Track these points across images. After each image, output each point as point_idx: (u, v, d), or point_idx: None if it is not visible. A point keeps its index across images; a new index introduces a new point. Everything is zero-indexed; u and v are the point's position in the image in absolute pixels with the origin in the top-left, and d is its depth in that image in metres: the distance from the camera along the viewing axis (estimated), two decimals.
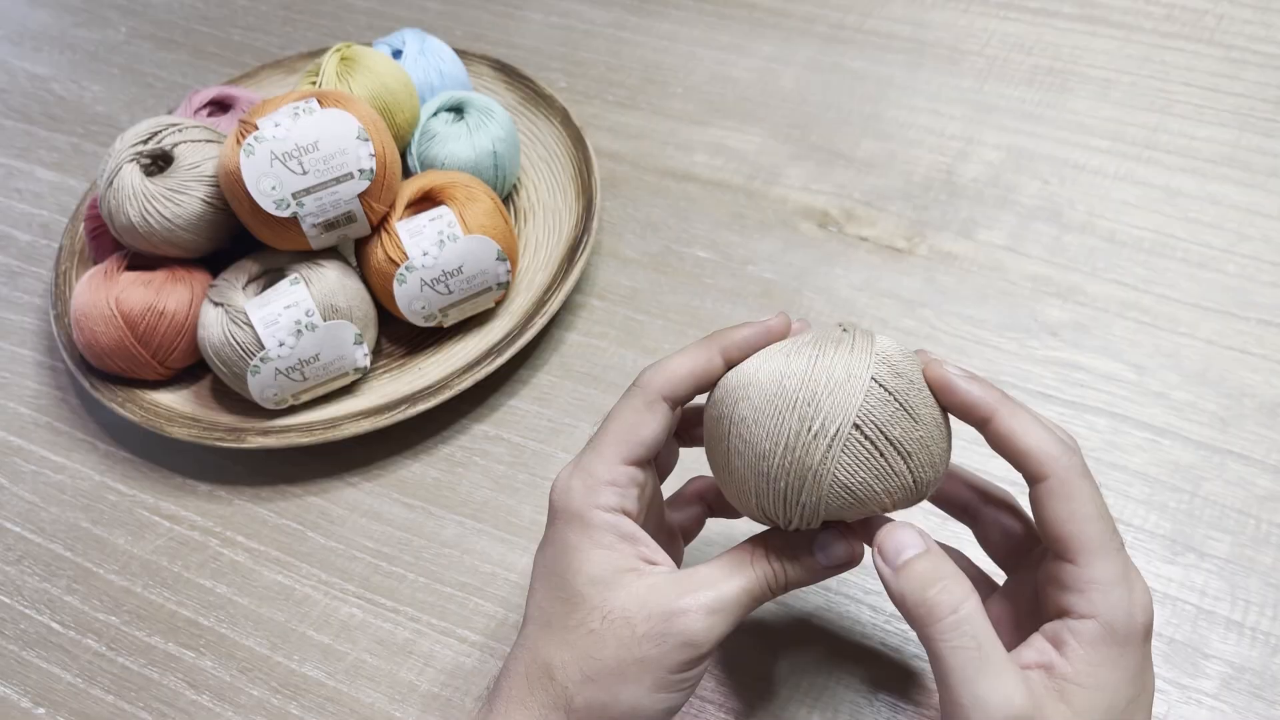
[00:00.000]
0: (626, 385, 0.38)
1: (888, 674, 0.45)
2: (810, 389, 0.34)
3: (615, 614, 0.34)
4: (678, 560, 0.43)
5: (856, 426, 0.33)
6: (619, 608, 0.34)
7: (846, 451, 0.33)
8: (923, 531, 0.34)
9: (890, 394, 0.34)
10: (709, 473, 0.41)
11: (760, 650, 0.47)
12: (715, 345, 0.37)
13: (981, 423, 0.35)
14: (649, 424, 0.36)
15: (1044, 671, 0.33)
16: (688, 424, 0.41)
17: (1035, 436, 0.34)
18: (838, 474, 0.34)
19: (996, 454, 0.35)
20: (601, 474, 0.36)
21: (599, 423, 0.39)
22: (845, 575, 0.48)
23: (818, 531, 0.36)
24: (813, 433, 0.33)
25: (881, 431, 0.34)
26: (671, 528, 0.43)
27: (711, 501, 0.43)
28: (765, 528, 0.37)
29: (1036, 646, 0.33)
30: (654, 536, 0.38)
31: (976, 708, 0.31)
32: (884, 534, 0.34)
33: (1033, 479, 0.34)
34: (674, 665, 0.34)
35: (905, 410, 0.34)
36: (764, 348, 0.36)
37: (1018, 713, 0.31)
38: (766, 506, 0.35)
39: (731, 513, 0.43)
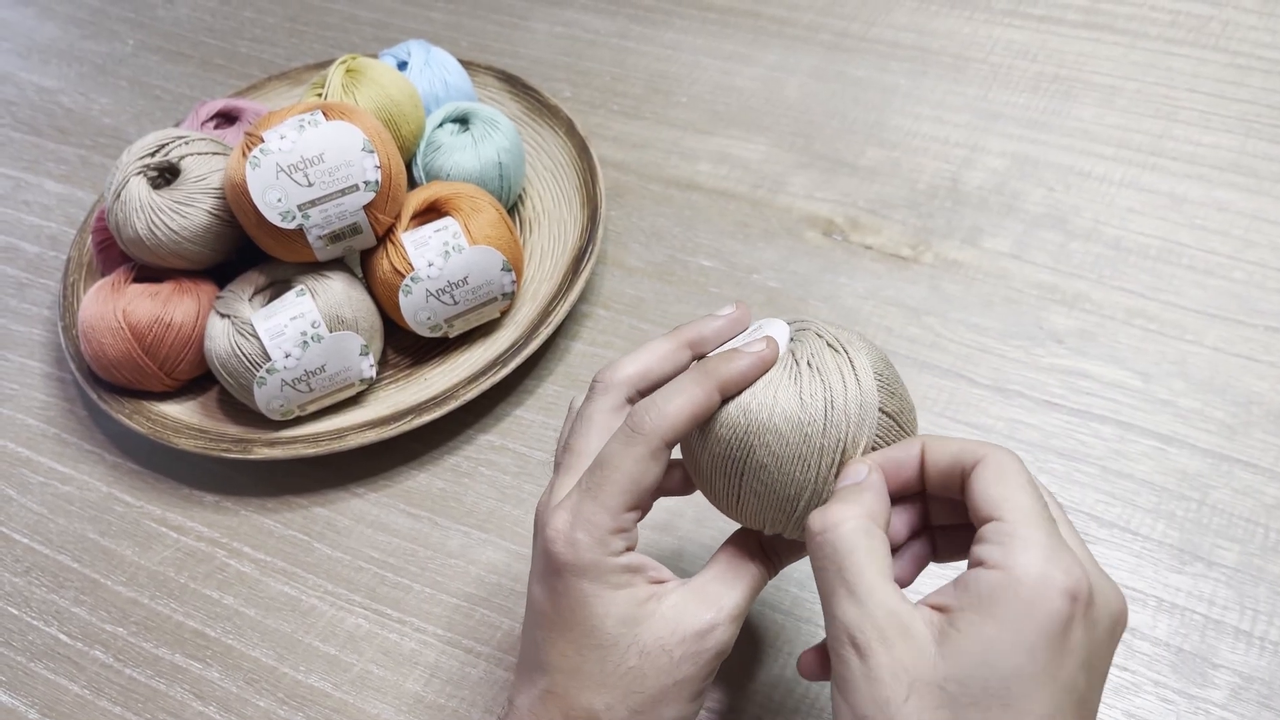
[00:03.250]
0: None
1: None
2: (834, 435, 0.35)
3: (651, 646, 0.35)
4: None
5: (872, 449, 0.35)
6: (653, 639, 0.35)
7: None
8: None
9: (891, 417, 0.36)
10: None
11: (753, 651, 0.46)
12: (712, 382, 0.36)
13: (918, 469, 0.35)
14: (653, 472, 0.36)
15: (937, 611, 0.31)
16: None
17: (960, 441, 0.35)
18: None
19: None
20: (607, 524, 0.35)
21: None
22: None
23: None
24: (837, 475, 0.35)
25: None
26: None
27: (664, 486, 0.42)
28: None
29: (945, 590, 0.32)
30: None
31: (829, 626, 0.32)
32: None
33: (971, 466, 0.34)
34: (708, 674, 0.36)
35: (902, 428, 0.36)
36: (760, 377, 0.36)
37: (854, 636, 0.31)
38: (778, 529, 0.36)
39: (682, 493, 0.42)
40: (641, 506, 0.36)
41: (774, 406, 0.35)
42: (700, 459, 0.37)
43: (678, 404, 0.35)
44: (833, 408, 0.35)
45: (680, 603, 0.36)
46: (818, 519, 0.33)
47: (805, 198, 0.65)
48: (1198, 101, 0.67)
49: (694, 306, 0.60)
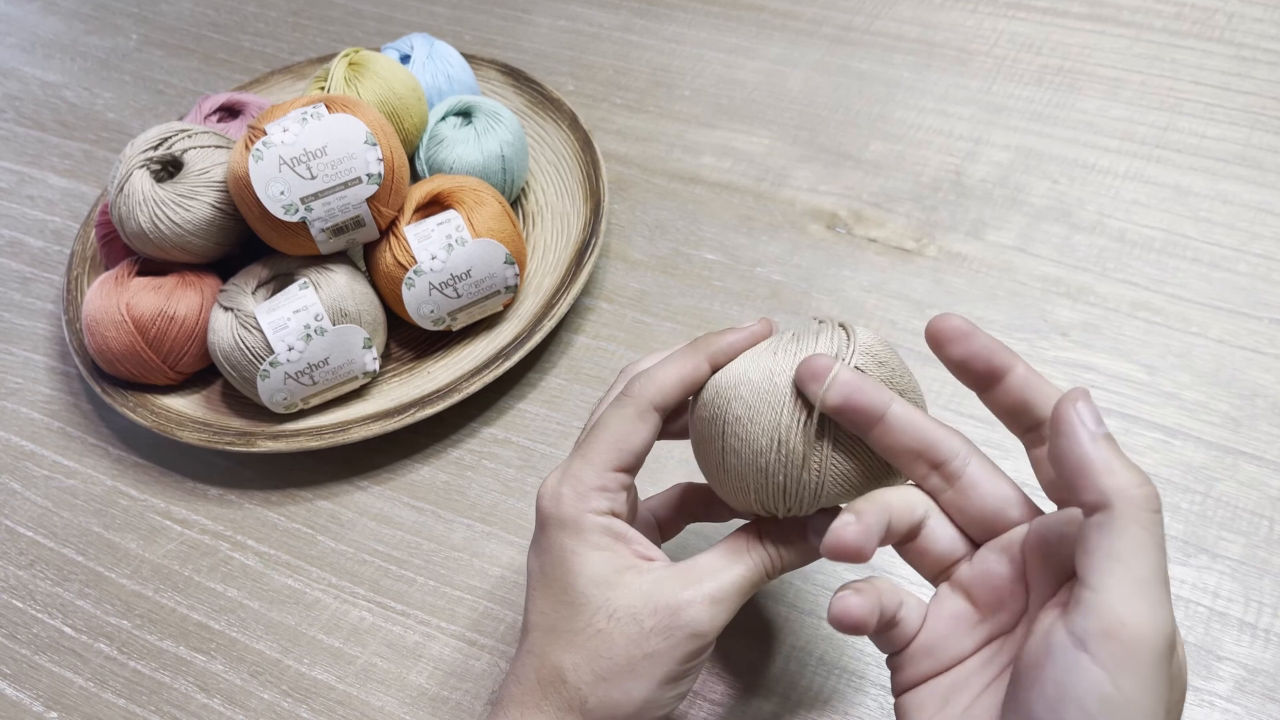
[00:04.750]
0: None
1: (875, 663, 0.45)
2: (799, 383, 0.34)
3: (621, 612, 0.35)
4: None
5: None
6: (624, 606, 0.35)
7: (840, 441, 0.34)
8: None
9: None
10: (689, 477, 0.41)
11: (759, 645, 0.46)
12: (701, 351, 0.37)
13: (1000, 373, 0.33)
14: (640, 433, 0.37)
15: None
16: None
17: (1050, 385, 0.33)
18: (834, 464, 0.35)
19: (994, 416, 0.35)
20: (591, 480, 0.36)
21: (586, 425, 0.40)
22: (846, 570, 0.48)
23: (812, 515, 0.37)
24: (803, 425, 0.34)
25: None
26: (649, 520, 0.43)
27: (693, 510, 0.43)
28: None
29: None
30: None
31: (1143, 619, 0.27)
32: (1081, 401, 0.30)
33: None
34: (682, 656, 0.35)
35: None
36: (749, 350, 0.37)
37: (1171, 634, 0.28)
38: (765, 501, 0.36)
39: (714, 518, 0.43)
40: (627, 468, 0.37)
41: (751, 365, 0.36)
42: (692, 433, 0.38)
43: (667, 370, 0.37)
44: (801, 358, 0.35)
45: (662, 577, 0.35)
46: (1130, 479, 0.29)
47: (809, 191, 0.65)
48: (1203, 94, 0.67)
49: (697, 300, 0.60)
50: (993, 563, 0.34)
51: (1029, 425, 0.34)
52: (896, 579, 0.47)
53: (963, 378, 0.35)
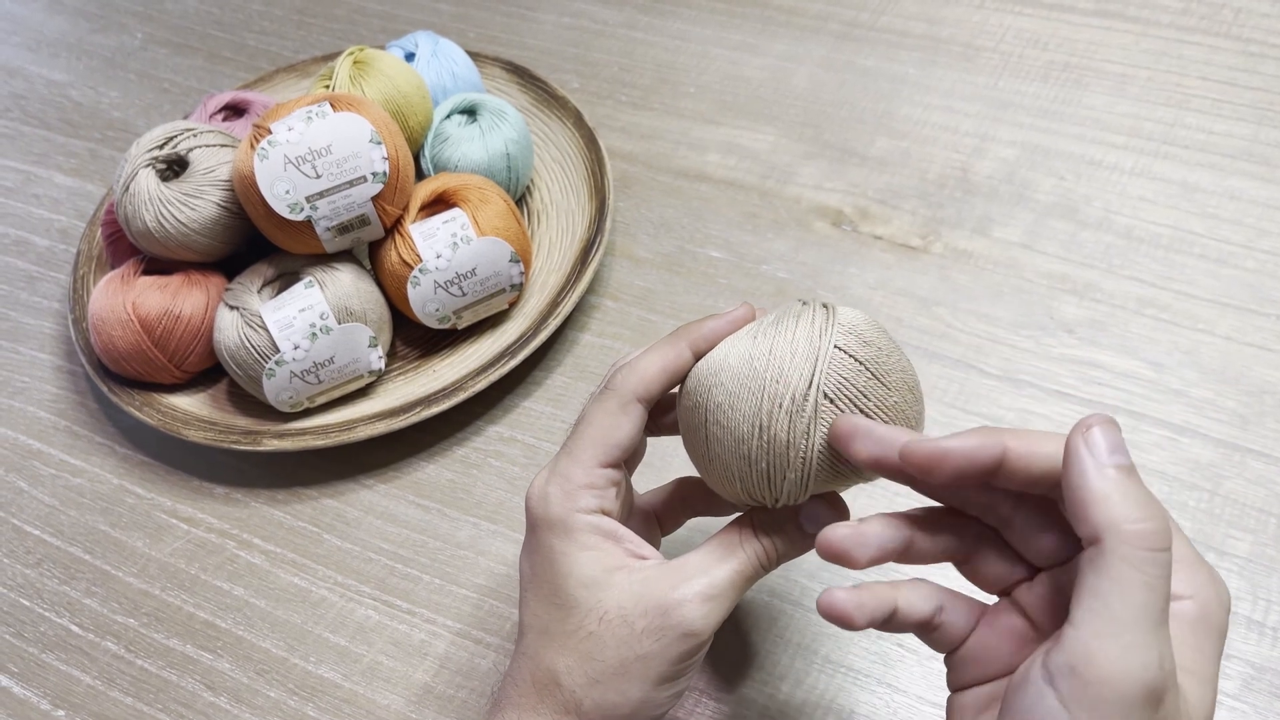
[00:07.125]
0: None
1: (881, 661, 0.45)
2: (778, 366, 0.34)
3: (612, 614, 0.34)
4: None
5: (829, 399, 0.33)
6: (615, 607, 0.34)
7: (823, 424, 0.34)
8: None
9: (860, 363, 0.34)
10: (690, 470, 0.41)
11: (763, 643, 0.46)
12: (683, 339, 0.37)
13: (994, 466, 0.30)
14: (624, 426, 0.36)
15: None
16: (652, 414, 0.40)
17: (1055, 439, 0.30)
18: (819, 448, 0.34)
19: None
20: (578, 478, 0.36)
21: (573, 425, 0.39)
22: (847, 569, 0.48)
23: (804, 503, 0.36)
24: (784, 409, 0.33)
25: (854, 401, 0.34)
26: (648, 515, 0.43)
27: (693, 504, 0.43)
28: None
29: None
30: (631, 529, 0.38)
31: (1112, 661, 0.26)
32: (1096, 427, 0.29)
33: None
34: (676, 656, 0.34)
35: (876, 378, 0.34)
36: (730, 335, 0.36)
37: (1154, 683, 0.26)
38: (752, 489, 0.35)
39: (714, 512, 0.43)
40: (614, 463, 0.36)
41: (730, 351, 0.35)
42: (680, 424, 0.37)
43: (648, 360, 0.37)
44: (780, 340, 0.34)
45: (652, 577, 0.35)
46: (1127, 514, 0.27)
47: (814, 188, 0.65)
48: (1210, 90, 0.66)
49: (703, 298, 0.60)
50: (1050, 586, 0.33)
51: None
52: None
53: (965, 494, 0.33)
